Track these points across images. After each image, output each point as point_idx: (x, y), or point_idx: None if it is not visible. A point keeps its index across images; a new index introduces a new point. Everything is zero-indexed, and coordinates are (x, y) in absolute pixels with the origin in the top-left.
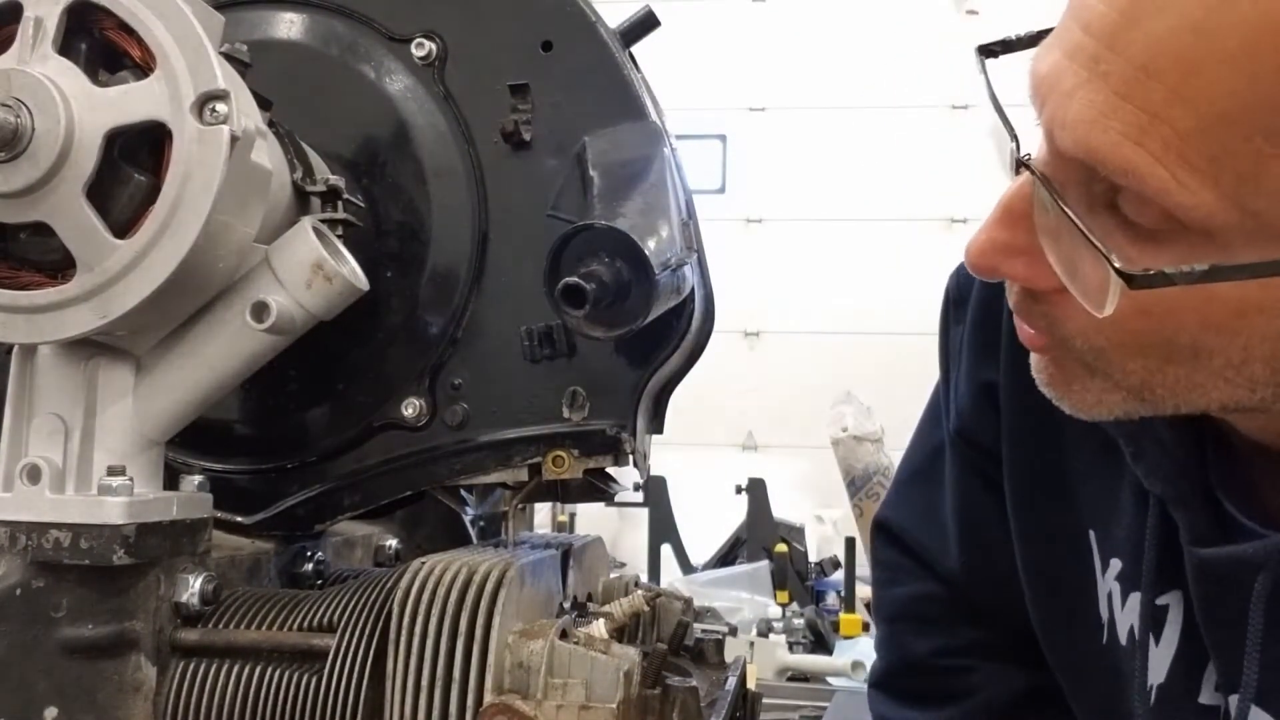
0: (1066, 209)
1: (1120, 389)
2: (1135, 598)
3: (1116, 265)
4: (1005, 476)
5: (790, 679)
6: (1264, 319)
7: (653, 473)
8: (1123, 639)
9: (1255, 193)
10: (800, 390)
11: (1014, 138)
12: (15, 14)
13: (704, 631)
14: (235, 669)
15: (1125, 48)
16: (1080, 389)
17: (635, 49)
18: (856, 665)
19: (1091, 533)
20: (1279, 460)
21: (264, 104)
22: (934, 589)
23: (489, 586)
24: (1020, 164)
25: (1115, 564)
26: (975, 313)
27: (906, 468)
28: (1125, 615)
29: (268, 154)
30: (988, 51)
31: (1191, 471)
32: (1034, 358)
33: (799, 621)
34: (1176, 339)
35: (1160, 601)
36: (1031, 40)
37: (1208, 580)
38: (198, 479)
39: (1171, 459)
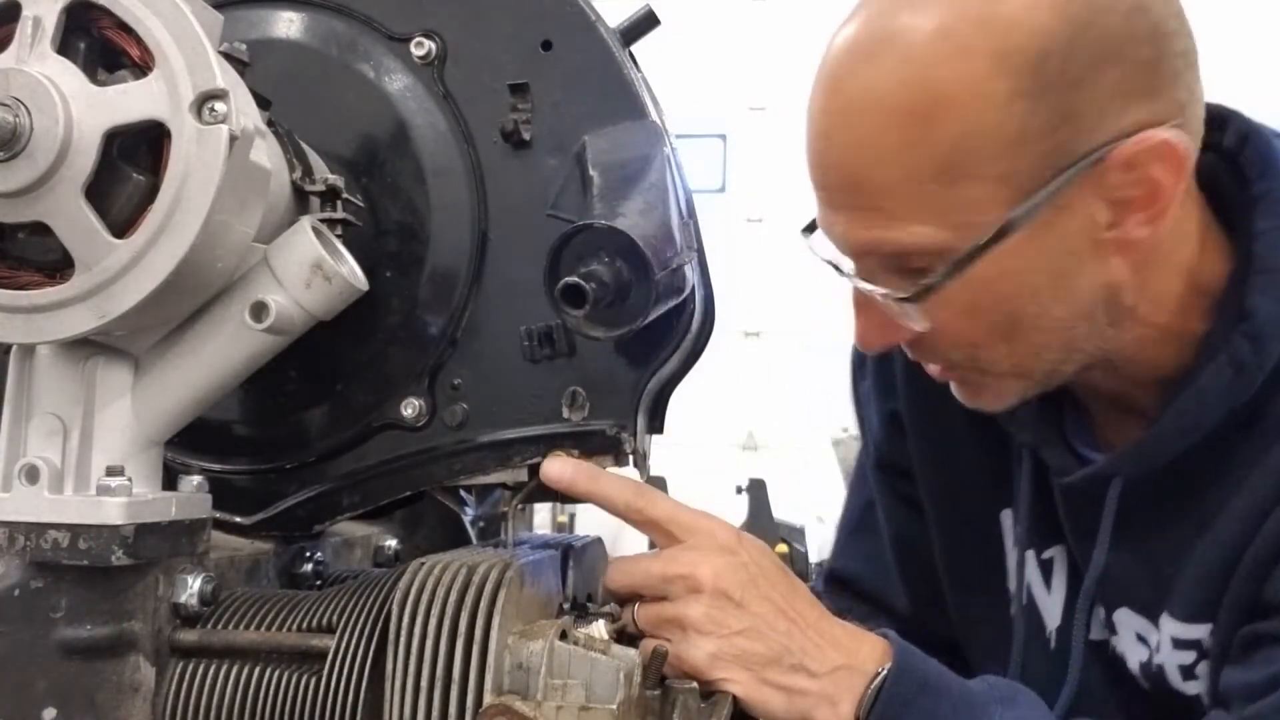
0: (867, 285)
1: (1006, 377)
2: (1030, 555)
3: (898, 295)
4: (920, 485)
5: None
6: (1028, 281)
7: (653, 473)
8: (1023, 599)
9: (947, 214)
10: (800, 390)
11: (840, 271)
12: (13, 13)
13: None
14: (234, 670)
15: (836, 188)
16: (987, 390)
17: (635, 48)
18: None
19: (1008, 512)
20: (1112, 403)
21: (263, 103)
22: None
23: (489, 587)
24: (848, 279)
25: (1017, 531)
26: (873, 364)
27: (846, 524)
28: (1025, 575)
29: (267, 153)
30: (808, 230)
31: (1050, 418)
32: (951, 385)
33: None
34: (996, 320)
35: (1045, 556)
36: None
37: (1072, 502)
38: (197, 479)
39: (1034, 412)
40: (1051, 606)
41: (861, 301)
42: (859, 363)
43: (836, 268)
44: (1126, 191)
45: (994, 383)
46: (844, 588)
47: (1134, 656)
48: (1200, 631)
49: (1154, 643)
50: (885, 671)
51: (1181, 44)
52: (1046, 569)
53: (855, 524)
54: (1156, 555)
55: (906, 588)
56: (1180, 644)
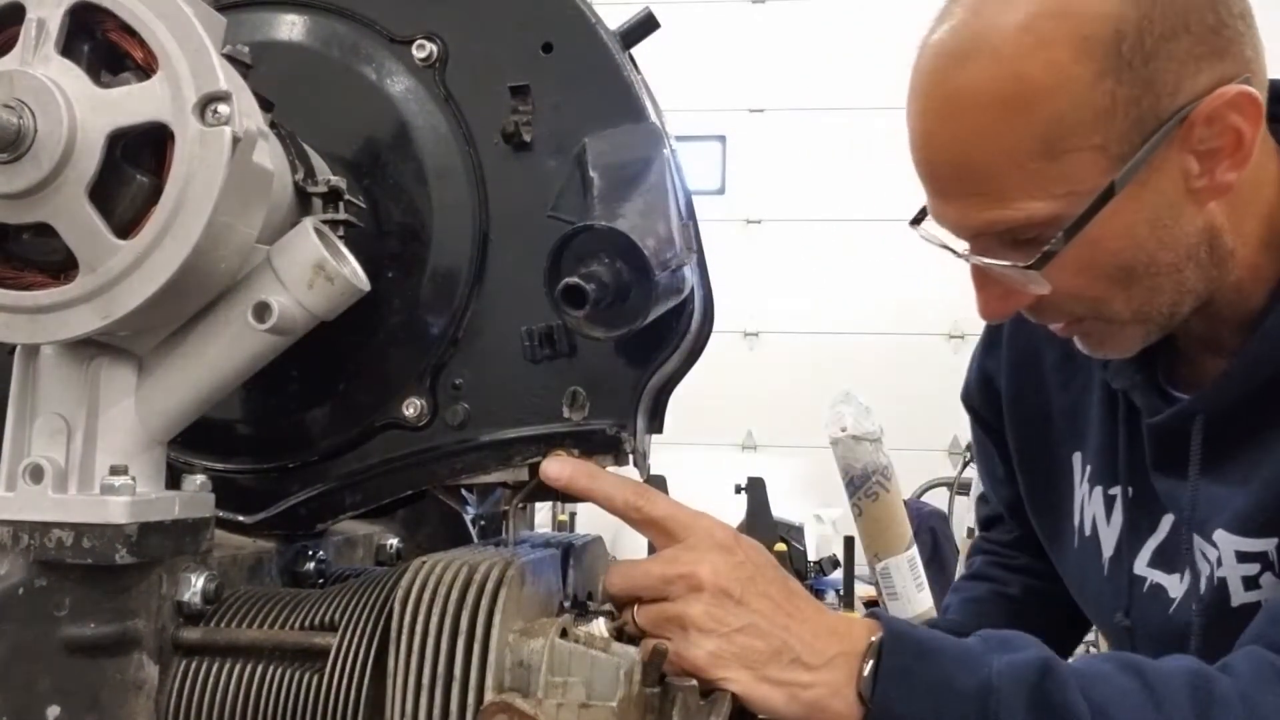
0: (987, 260)
1: (1129, 324)
2: (1098, 491)
3: (1021, 266)
4: (1008, 431)
5: None
6: (1135, 234)
7: (653, 473)
8: (1086, 531)
9: (1054, 187)
10: (800, 390)
11: (955, 253)
12: (17, 15)
13: None
14: (237, 668)
15: (947, 179)
16: (1111, 339)
17: (635, 50)
18: None
19: (1078, 455)
20: (1202, 345)
21: (266, 105)
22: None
23: (489, 585)
24: (964, 258)
25: (1088, 469)
26: (985, 330)
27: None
28: (1089, 510)
29: (269, 155)
30: (916, 220)
31: (1142, 365)
32: (1076, 341)
33: None
34: (1111, 273)
35: (1111, 492)
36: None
37: (1160, 440)
38: (200, 478)
39: (1128, 361)
40: (1109, 538)
41: (980, 278)
42: (983, 332)
43: (951, 250)
44: (1212, 143)
45: (1118, 331)
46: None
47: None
48: (1266, 545)
49: (1214, 558)
50: (878, 640)
51: (1239, 6)
52: (1110, 504)
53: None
54: (1232, 481)
55: (1004, 497)
56: (1244, 557)
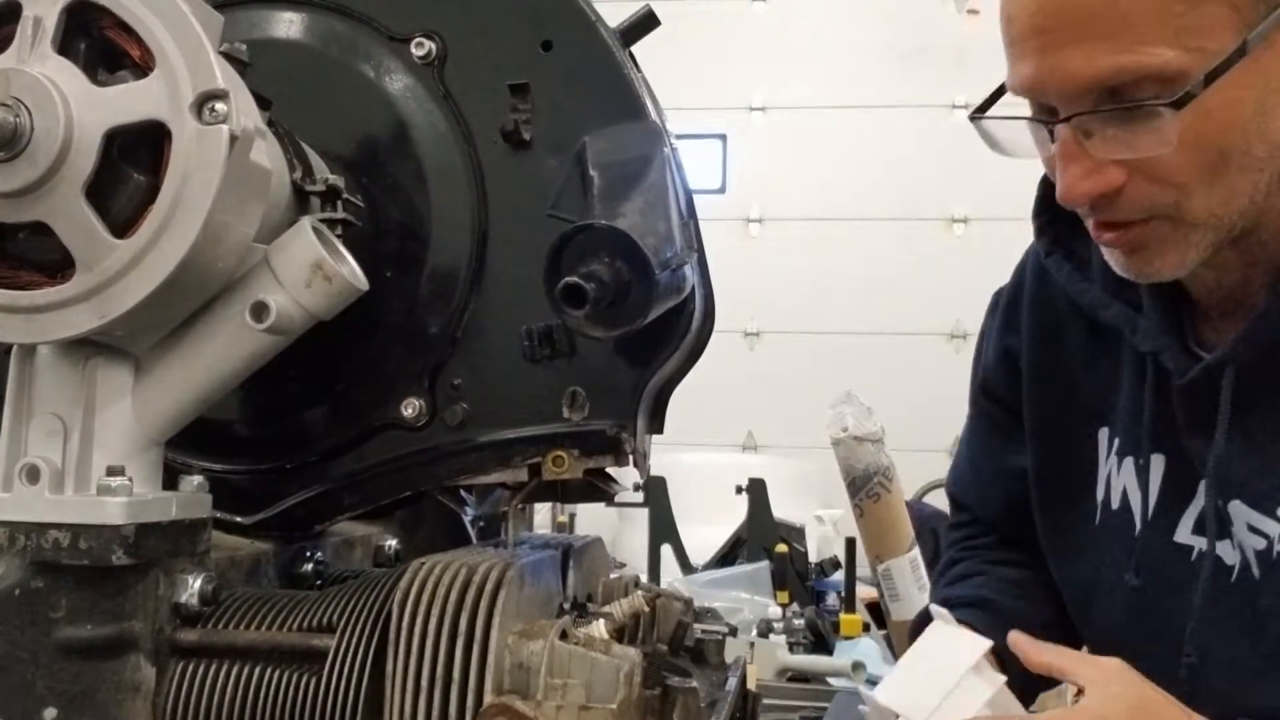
0: (1116, 106)
1: (1199, 227)
2: (1129, 461)
3: (1161, 101)
4: (1026, 410)
5: (790, 679)
6: (1241, 114)
7: (653, 473)
8: (1114, 504)
9: (1187, 37)
10: (800, 390)
11: (1042, 121)
12: (14, 13)
13: (704, 632)
14: (235, 669)
15: (1072, 23)
16: (1170, 250)
17: (635, 48)
18: (857, 666)
19: (1104, 430)
20: (1227, 300)
21: (263, 103)
22: (982, 528)
23: (489, 587)
24: (1063, 122)
25: (1115, 442)
26: (1003, 305)
27: (963, 451)
28: (1119, 481)
29: (267, 154)
30: (979, 112)
31: (1171, 326)
32: (1117, 259)
33: (799, 622)
34: (1209, 156)
35: (1142, 462)
36: (996, 94)
37: (1190, 397)
38: (197, 479)
39: (1155, 322)
40: (1142, 509)
41: (1070, 151)
42: (993, 304)
43: (1043, 121)
44: None
45: (1182, 239)
46: (957, 508)
47: (1249, 546)
48: None
49: (1274, 533)
50: None
51: None
52: (1143, 474)
53: (964, 450)
54: (1269, 444)
55: (1001, 498)
56: None
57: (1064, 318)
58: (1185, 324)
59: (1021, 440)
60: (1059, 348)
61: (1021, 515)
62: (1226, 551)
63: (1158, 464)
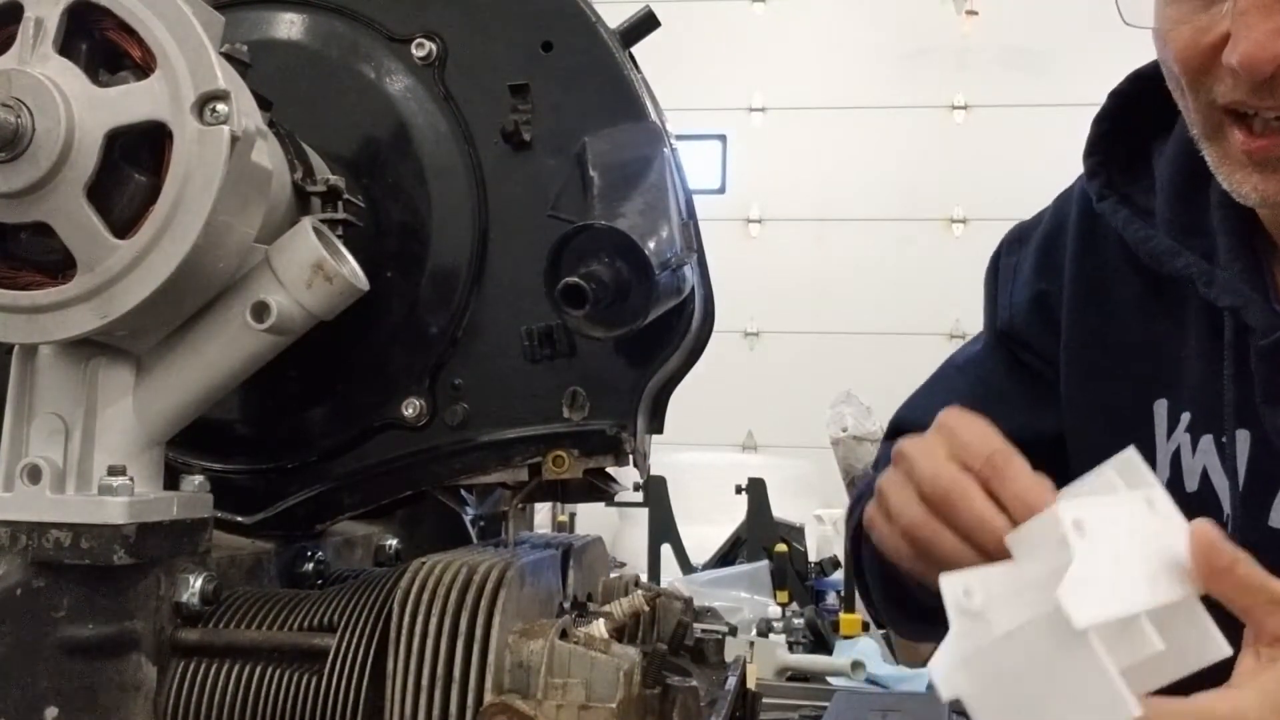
0: None
1: None
2: (1207, 439)
3: None
4: (1064, 369)
5: (790, 679)
6: None
7: (653, 473)
8: (1190, 486)
9: None
10: (800, 390)
11: None
12: (16, 14)
13: (704, 631)
14: (235, 669)
15: None
16: None
17: (635, 49)
18: (856, 665)
19: (1162, 403)
20: None
21: (264, 104)
22: None
23: (489, 586)
24: None
25: (1185, 418)
26: (1041, 240)
27: (925, 382)
28: (1195, 461)
29: (268, 154)
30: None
31: (1253, 279)
32: (1245, 178)
33: (799, 621)
34: None
35: (1224, 439)
36: None
37: (1274, 359)
38: (198, 479)
39: (1236, 274)
40: (1231, 493)
41: (1261, 11)
42: (1015, 238)
43: None
44: None
45: None
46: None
47: None
48: None
49: None
50: None
51: None
52: (1228, 452)
53: (931, 381)
54: None
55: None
56: None
57: (1114, 273)
58: (1267, 277)
59: (1048, 399)
60: (1107, 303)
61: None
62: None
63: (1243, 440)
